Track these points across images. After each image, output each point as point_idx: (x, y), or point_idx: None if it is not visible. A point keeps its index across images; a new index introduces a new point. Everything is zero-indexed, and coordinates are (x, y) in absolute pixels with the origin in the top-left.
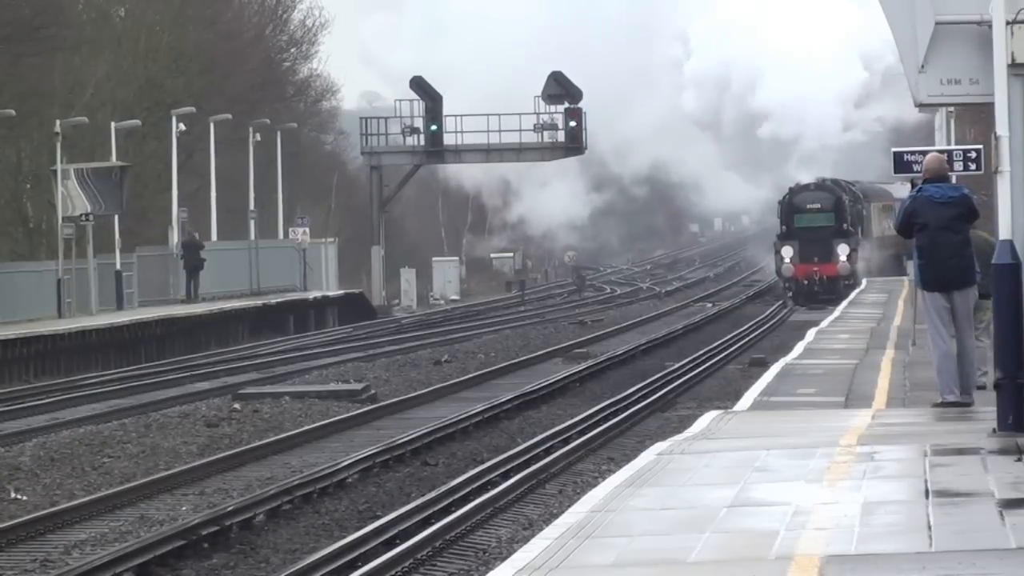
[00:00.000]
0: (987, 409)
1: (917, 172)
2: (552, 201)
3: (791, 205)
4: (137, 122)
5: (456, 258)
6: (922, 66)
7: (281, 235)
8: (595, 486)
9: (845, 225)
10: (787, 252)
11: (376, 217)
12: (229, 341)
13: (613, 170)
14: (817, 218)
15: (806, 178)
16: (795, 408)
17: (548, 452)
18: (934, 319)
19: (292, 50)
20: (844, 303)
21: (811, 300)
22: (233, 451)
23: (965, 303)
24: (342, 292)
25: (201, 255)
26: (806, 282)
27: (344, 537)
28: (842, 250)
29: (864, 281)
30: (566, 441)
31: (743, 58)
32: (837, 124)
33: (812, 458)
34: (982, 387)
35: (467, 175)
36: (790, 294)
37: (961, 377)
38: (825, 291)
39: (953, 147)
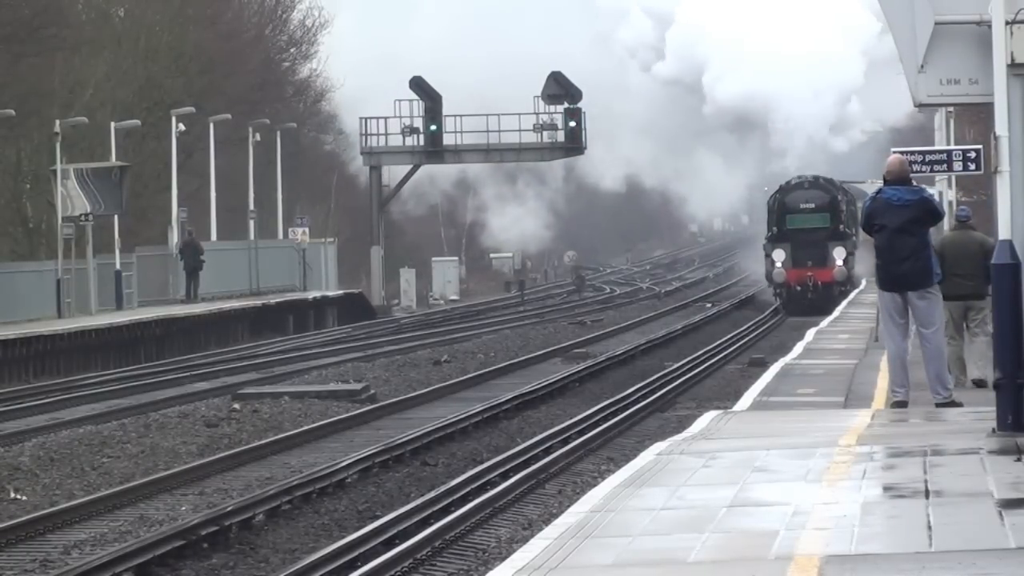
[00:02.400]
0: (987, 409)
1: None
2: (516, 206)
3: (782, 205)
4: (137, 122)
5: (455, 258)
6: (921, 66)
7: (281, 235)
8: (595, 486)
9: (841, 226)
10: (779, 256)
11: (375, 217)
12: (228, 341)
13: (583, 172)
14: (811, 219)
15: (798, 175)
16: (795, 408)
17: (547, 452)
18: (886, 319)
19: (292, 50)
20: (844, 303)
21: (803, 308)
22: (232, 451)
23: (924, 304)
24: (341, 292)
25: (200, 256)
26: (799, 288)
27: (344, 537)
28: (838, 253)
29: (863, 281)
30: (565, 441)
31: (718, 44)
32: (832, 120)
33: (812, 458)
34: (981, 383)
35: (413, 191)
36: (781, 300)
37: (931, 375)
38: (820, 297)
39: (953, 147)
